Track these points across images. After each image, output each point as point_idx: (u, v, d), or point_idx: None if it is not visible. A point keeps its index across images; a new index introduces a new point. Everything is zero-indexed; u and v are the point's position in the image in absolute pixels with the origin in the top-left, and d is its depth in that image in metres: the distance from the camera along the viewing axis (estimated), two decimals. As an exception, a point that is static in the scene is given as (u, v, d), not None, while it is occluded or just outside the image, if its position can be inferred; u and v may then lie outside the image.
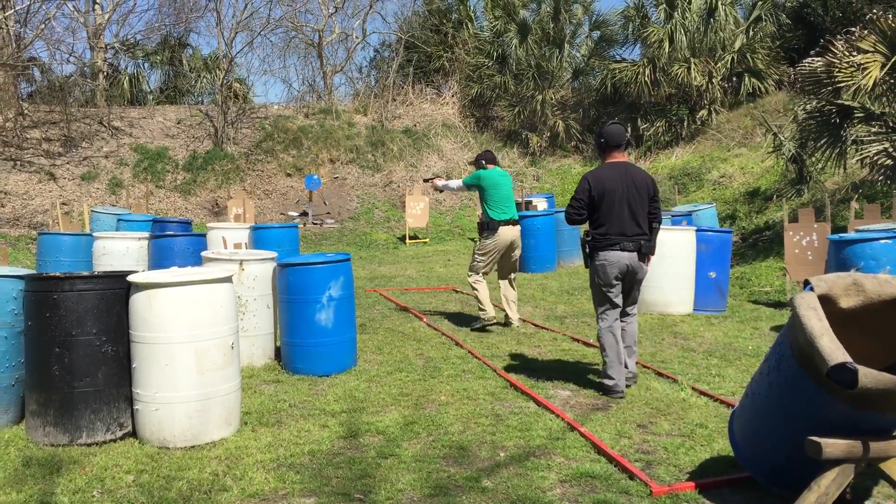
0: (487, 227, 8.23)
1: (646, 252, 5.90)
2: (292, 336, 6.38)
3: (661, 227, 9.24)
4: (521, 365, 6.62)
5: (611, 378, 5.78)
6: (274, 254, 6.90)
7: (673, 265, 9.04)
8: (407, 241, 18.04)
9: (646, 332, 7.99)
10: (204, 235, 10.47)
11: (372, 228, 19.01)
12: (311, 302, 6.29)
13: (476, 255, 8.38)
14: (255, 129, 22.19)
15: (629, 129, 21.15)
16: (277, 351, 6.85)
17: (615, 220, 5.84)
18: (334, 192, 20.47)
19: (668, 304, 9.06)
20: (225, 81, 21.84)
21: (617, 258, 5.83)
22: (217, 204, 19.24)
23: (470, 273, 8.42)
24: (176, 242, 9.50)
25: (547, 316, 8.98)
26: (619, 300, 5.89)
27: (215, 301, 4.81)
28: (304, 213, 19.30)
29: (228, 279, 4.99)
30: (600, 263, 5.86)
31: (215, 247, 10.30)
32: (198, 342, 4.71)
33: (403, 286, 11.64)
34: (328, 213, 19.59)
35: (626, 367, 5.93)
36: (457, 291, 10.97)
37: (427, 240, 18.26)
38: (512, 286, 8.46)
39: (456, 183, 8.86)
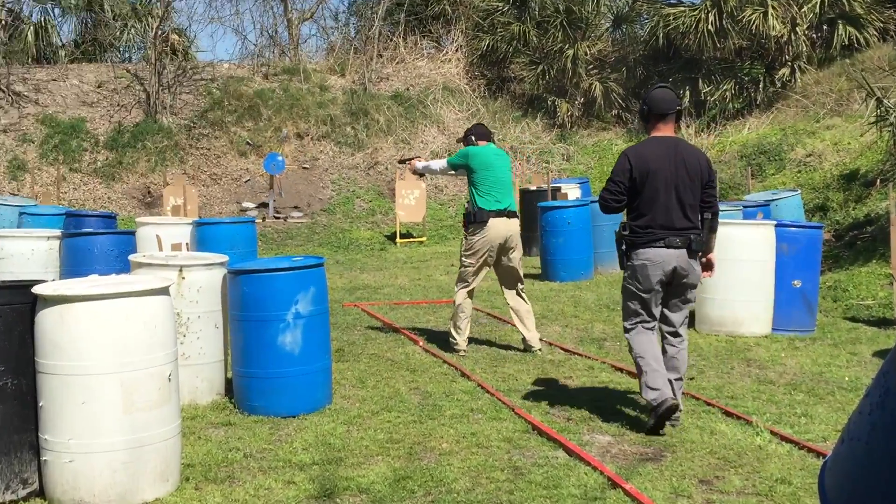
0: (474, 218, 8.34)
1: (696, 249, 6.04)
2: (248, 365, 6.40)
3: (731, 221, 9.29)
4: (548, 402, 6.64)
5: (653, 388, 5.88)
6: (224, 257, 6.91)
7: (745, 271, 9.05)
8: (398, 240, 18.08)
9: (710, 359, 8.00)
10: (133, 233, 10.48)
11: (352, 224, 19.05)
12: (273, 320, 6.29)
13: (462, 259, 8.50)
14: (200, 95, 22.24)
15: (686, 94, 21.20)
16: (229, 384, 6.86)
17: (660, 209, 5.99)
18: (303, 177, 20.52)
19: (738, 321, 9.07)
20: (160, 32, 21.91)
21: (662, 257, 5.97)
22: (150, 192, 19.29)
23: (458, 284, 8.55)
24: (96, 243, 9.49)
25: (580, 338, 8.99)
26: (655, 311, 6.06)
27: (148, 319, 4.81)
28: (264, 205, 19.35)
29: (165, 291, 4.99)
30: (640, 264, 6.00)
31: (147, 249, 10.31)
32: (125, 373, 4.71)
33: (393, 299, 11.65)
34: (295, 205, 19.63)
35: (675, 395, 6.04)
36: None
37: (424, 239, 18.30)
38: (522, 298, 8.52)
39: (439, 164, 9.02)
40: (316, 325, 6.43)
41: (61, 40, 24.91)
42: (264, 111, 21.86)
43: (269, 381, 6.35)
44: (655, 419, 5.85)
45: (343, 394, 6.90)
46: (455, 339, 8.52)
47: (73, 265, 9.41)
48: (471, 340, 8.84)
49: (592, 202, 13.55)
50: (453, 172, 8.98)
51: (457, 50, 25.43)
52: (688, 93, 21.22)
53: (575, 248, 12.93)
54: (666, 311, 6.21)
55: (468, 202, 8.56)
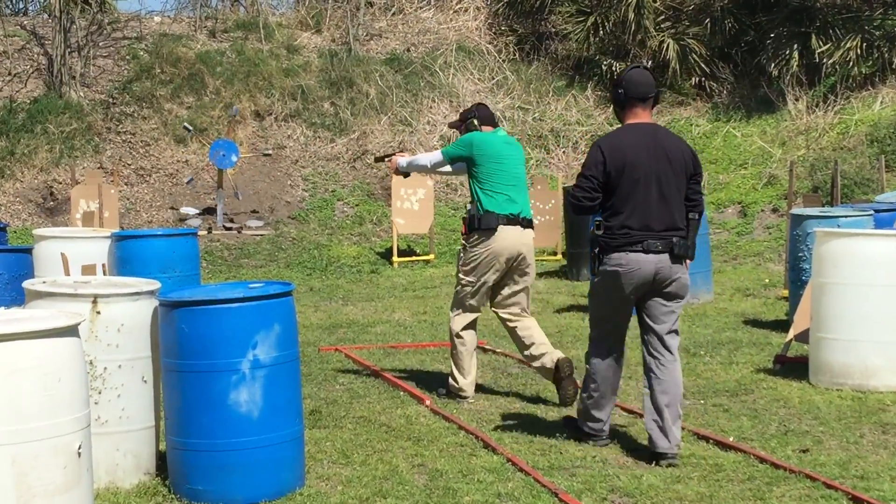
0: (479, 224, 8.58)
1: (680, 254, 6.87)
2: (188, 433, 6.37)
3: (858, 232, 9.27)
4: (605, 485, 6.59)
5: (596, 420, 7.14)
6: (155, 284, 6.89)
7: (878, 302, 8.99)
8: (395, 258, 18.06)
9: (830, 424, 7.95)
10: (29, 251, 10.47)
11: (331, 237, 19.07)
12: (223, 371, 6.27)
13: (460, 278, 8.82)
14: (122, 60, 22.33)
15: (794, 55, 21.15)
16: (162, 459, 6.83)
17: (638, 207, 6.81)
18: (263, 172, 20.57)
19: (869, 371, 9.01)
20: (66, -26, 21.97)
21: (639, 264, 6.79)
22: (52, 194, 19.36)
23: (453, 309, 8.93)
24: (-22, 264, 9.50)
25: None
26: (625, 327, 7.13)
27: (49, 371, 4.79)
28: (210, 211, 19.38)
29: (73, 331, 4.98)
30: (612, 270, 6.84)
31: (49, 272, 10.29)
32: (17, 445, 4.69)
33: (389, 341, 11.61)
34: (253, 210, 19.65)
35: (665, 436, 6.92)
36: (485, 350, 10.94)
37: (431, 256, 18.29)
38: (525, 316, 8.84)
39: (430, 157, 9.30)
40: (282, 377, 6.41)
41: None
42: (210, 81, 21.92)
43: (217, 455, 6.31)
44: (578, 438, 7.24)
45: (320, 473, 6.86)
46: (457, 384, 8.79)
47: (-54, 295, 9.42)
48: (497, 395, 8.79)
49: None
50: (449, 169, 9.16)
51: (475, -3, 25.50)
52: (796, 53, 21.19)
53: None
54: (651, 324, 7.03)
55: (470, 203, 8.76)
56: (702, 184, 7.29)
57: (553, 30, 24.61)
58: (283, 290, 6.55)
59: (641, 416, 8.13)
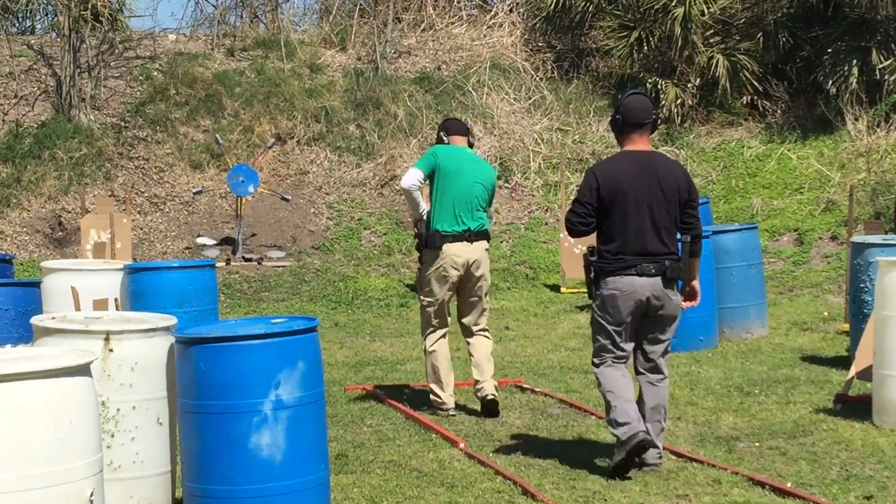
0: (426, 243, 9.65)
1: (672, 277, 7.60)
2: (207, 479, 6.38)
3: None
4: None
5: (620, 424, 7.51)
6: (171, 319, 6.91)
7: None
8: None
9: (894, 466, 7.89)
10: (37, 284, 10.53)
11: (358, 268, 19.08)
12: (243, 412, 6.29)
13: (420, 298, 9.93)
14: (134, 81, 22.45)
15: (853, 70, 21.09)
16: (178, 507, 6.84)
17: (632, 232, 7.53)
18: (285, 201, 20.59)
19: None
20: (77, -10, 22.10)
21: (633, 287, 7.51)
22: (61, 223, 19.44)
23: (423, 330, 9.97)
24: (-17, 298, 9.57)
25: (700, 436, 8.92)
26: (626, 346, 7.71)
27: (59, 412, 4.81)
28: (228, 241, 19.43)
29: (85, 370, 5.00)
30: (609, 294, 7.57)
31: (58, 307, 10.35)
32: (27, 492, 4.71)
33: (420, 380, 11.60)
34: (274, 241, 19.68)
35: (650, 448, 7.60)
36: (523, 389, 10.94)
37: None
38: (482, 336, 9.92)
39: (412, 177, 9.69)
40: (306, 418, 6.42)
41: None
42: (228, 103, 22.02)
43: (237, 502, 6.32)
44: (624, 455, 7.44)
45: (347, 522, 6.86)
46: (438, 397, 9.77)
47: (-51, 331, 9.48)
48: (536, 438, 8.78)
49: (715, 233, 13.45)
50: (425, 183, 9.70)
51: (511, 10, 25.54)
52: (855, 69, 21.12)
53: (691, 301, 12.84)
54: (643, 344, 7.80)
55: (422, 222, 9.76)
56: (698, 208, 7.93)
57: (594, 46, 24.62)
58: (308, 325, 6.56)
59: (692, 459, 8.14)
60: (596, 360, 7.80)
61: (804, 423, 9.14)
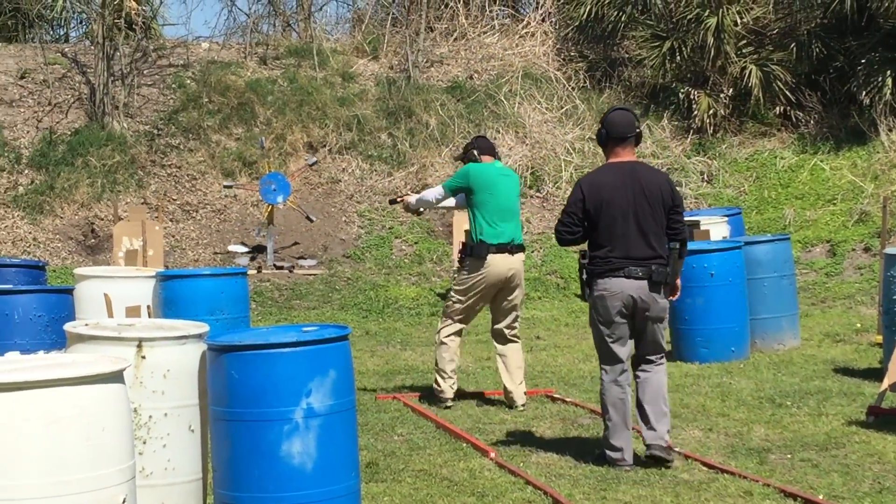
0: (471, 252, 10.21)
1: (658, 280, 8.07)
2: (238, 486, 6.38)
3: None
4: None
5: (615, 448, 8.09)
6: (203, 327, 6.93)
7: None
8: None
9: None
10: (70, 291, 10.56)
11: (389, 277, 19.09)
12: (275, 420, 6.29)
13: (452, 293, 10.58)
14: (167, 89, 22.54)
15: (888, 83, 20.99)
16: (209, 515, 6.85)
17: (618, 239, 8.08)
18: (317, 208, 20.66)
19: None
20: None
21: (620, 287, 8.04)
22: (94, 231, 19.53)
23: (442, 320, 10.62)
24: (16, 305, 9.60)
25: (732, 447, 8.88)
26: (621, 349, 8.22)
27: (91, 419, 4.82)
28: (260, 249, 19.47)
29: (118, 377, 5.01)
30: (599, 294, 8.14)
31: (91, 313, 10.40)
32: (59, 498, 4.72)
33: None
34: (305, 249, 19.70)
35: (651, 429, 8.14)
36: (553, 398, 10.93)
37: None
38: (514, 342, 10.49)
39: (434, 192, 10.86)
40: (337, 426, 6.42)
41: (-32, 11, 25.39)
42: (261, 111, 22.08)
43: (267, 510, 6.32)
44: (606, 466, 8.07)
45: (377, 530, 6.87)
46: (439, 387, 10.44)
47: (-18, 337, 9.52)
48: (567, 447, 8.77)
49: (748, 244, 13.41)
50: (453, 202, 10.72)
51: (543, 20, 25.51)
52: (889, 80, 21.04)
53: (722, 312, 12.77)
54: (638, 345, 8.32)
55: (466, 231, 10.44)
56: (683, 213, 8.44)
57: (626, 56, 24.59)
58: (339, 333, 6.56)
59: (723, 471, 8.12)
60: (604, 368, 8.29)
61: (836, 436, 9.09)
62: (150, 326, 7.11)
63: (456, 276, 10.40)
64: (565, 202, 8.47)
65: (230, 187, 20.13)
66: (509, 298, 10.34)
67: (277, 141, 21.34)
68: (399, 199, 11.55)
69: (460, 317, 10.45)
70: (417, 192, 11.70)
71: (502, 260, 10.09)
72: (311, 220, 19.63)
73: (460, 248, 10.62)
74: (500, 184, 10.27)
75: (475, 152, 10.46)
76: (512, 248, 10.14)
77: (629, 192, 8.08)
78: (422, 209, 11.33)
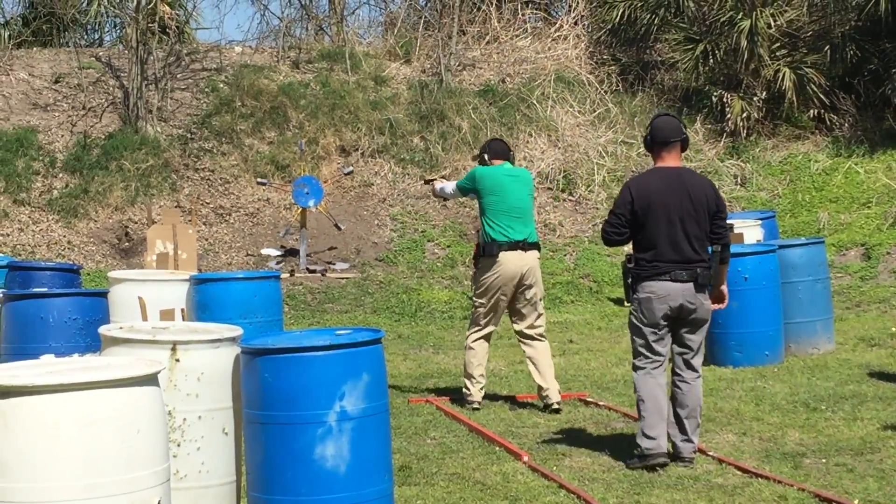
0: (483, 252, 10.45)
1: (703, 283, 8.27)
2: (271, 489, 6.40)
3: None
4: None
5: (648, 437, 8.14)
6: (236, 330, 6.95)
7: None
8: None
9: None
10: (104, 294, 10.60)
11: (422, 280, 19.10)
12: (308, 423, 6.31)
13: (474, 299, 10.80)
14: (200, 93, 22.62)
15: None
16: (242, 517, 6.86)
17: (665, 242, 8.22)
18: (349, 211, 20.70)
19: None
20: (144, 3, 22.29)
21: (667, 291, 8.18)
22: (128, 234, 19.61)
23: (470, 327, 10.80)
24: (51, 308, 9.64)
25: (766, 452, 8.85)
26: (663, 348, 8.33)
27: (127, 421, 4.84)
28: (292, 252, 19.50)
29: (153, 379, 5.03)
30: (645, 297, 8.26)
31: (126, 317, 10.44)
32: (93, 500, 4.74)
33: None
34: (337, 252, 19.74)
35: (687, 440, 8.33)
36: (587, 402, 10.92)
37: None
38: (540, 340, 10.60)
39: (450, 187, 11.21)
40: (370, 429, 6.43)
41: (3, 15, 25.56)
42: (293, 115, 22.14)
43: (301, 513, 6.33)
44: (642, 467, 8.13)
45: (410, 534, 6.87)
46: (468, 390, 10.58)
47: (17, 340, 9.56)
48: (600, 451, 8.77)
49: (782, 247, 13.37)
50: (464, 198, 11.01)
51: (576, 23, 25.49)
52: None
53: (756, 316, 12.75)
54: (677, 346, 8.43)
55: (477, 232, 10.73)
56: (726, 218, 8.67)
57: (659, 59, 24.55)
58: (373, 337, 6.58)
59: (758, 475, 8.10)
60: (636, 363, 8.41)
61: (872, 440, 9.04)
62: (184, 330, 7.14)
63: (473, 282, 10.71)
64: (612, 203, 8.66)
65: (264, 184, 20.19)
66: (527, 297, 10.47)
67: (310, 144, 21.37)
68: (430, 181, 11.93)
69: (486, 320, 10.60)
70: (448, 181, 11.89)
71: (515, 257, 10.27)
72: (340, 229, 19.64)
73: (474, 251, 10.91)
74: (508, 185, 10.44)
75: (486, 156, 10.70)
76: (524, 245, 10.32)
77: (676, 197, 8.26)
78: (446, 199, 11.80)
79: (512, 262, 10.27)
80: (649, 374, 8.30)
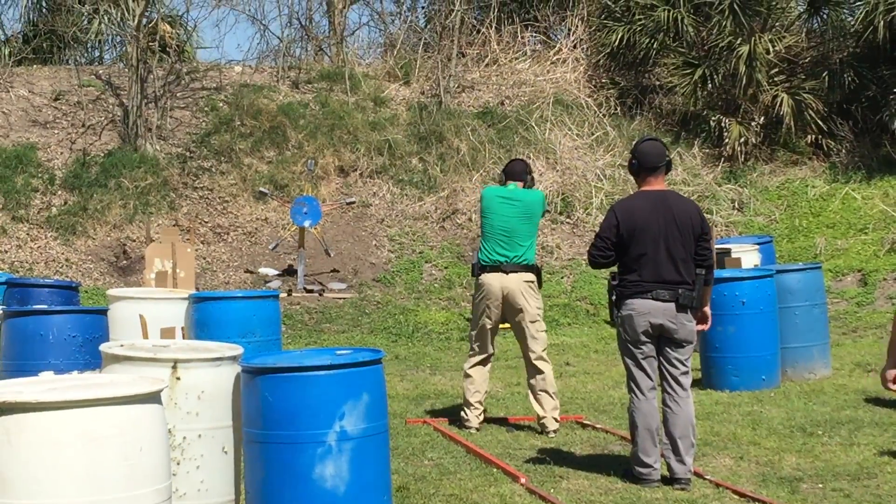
0: (472, 273, 10.86)
1: (685, 304, 8.33)
2: (270, 509, 6.39)
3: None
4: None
5: (642, 464, 8.33)
6: (237, 348, 6.95)
7: None
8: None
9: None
10: (104, 312, 10.59)
11: (419, 301, 19.09)
12: (308, 443, 6.32)
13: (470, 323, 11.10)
14: (200, 111, 22.65)
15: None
16: (240, 537, 6.86)
17: (648, 264, 8.37)
18: (347, 232, 20.70)
19: None
20: (144, 21, 22.34)
21: (647, 308, 8.32)
22: (126, 252, 19.60)
23: (468, 354, 10.89)
24: (51, 325, 9.63)
25: (763, 476, 8.86)
26: (650, 368, 8.47)
27: (128, 440, 4.85)
28: (291, 272, 19.50)
29: (154, 397, 5.03)
30: (627, 314, 8.43)
31: (125, 334, 10.44)
32: (94, 519, 4.74)
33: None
34: (334, 270, 19.75)
35: (680, 460, 8.30)
36: (584, 425, 10.93)
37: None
38: (539, 368, 10.46)
39: None
40: (370, 450, 6.45)
41: (3, 33, 25.60)
42: (293, 134, 22.16)
43: (300, 533, 6.33)
44: (631, 482, 8.35)
45: (408, 554, 6.87)
46: (466, 416, 10.65)
47: (16, 357, 9.55)
48: (597, 474, 8.76)
49: (779, 272, 13.38)
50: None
51: (575, 46, 25.56)
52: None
53: (753, 340, 12.75)
54: (664, 365, 8.51)
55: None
56: (711, 241, 8.79)
57: (657, 83, 24.60)
58: (373, 357, 6.60)
59: (755, 500, 8.11)
60: (629, 385, 8.58)
61: (868, 466, 9.05)
62: (184, 348, 7.15)
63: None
64: (598, 227, 8.83)
65: (265, 194, 20.21)
66: (516, 320, 10.46)
67: (310, 165, 21.36)
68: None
69: (477, 343, 10.69)
70: None
71: (494, 279, 10.30)
72: (329, 254, 19.60)
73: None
74: (497, 207, 10.48)
75: (503, 176, 10.87)
76: (505, 267, 10.29)
77: (661, 219, 8.36)
78: None
79: (492, 284, 10.33)
80: (644, 400, 8.42)
